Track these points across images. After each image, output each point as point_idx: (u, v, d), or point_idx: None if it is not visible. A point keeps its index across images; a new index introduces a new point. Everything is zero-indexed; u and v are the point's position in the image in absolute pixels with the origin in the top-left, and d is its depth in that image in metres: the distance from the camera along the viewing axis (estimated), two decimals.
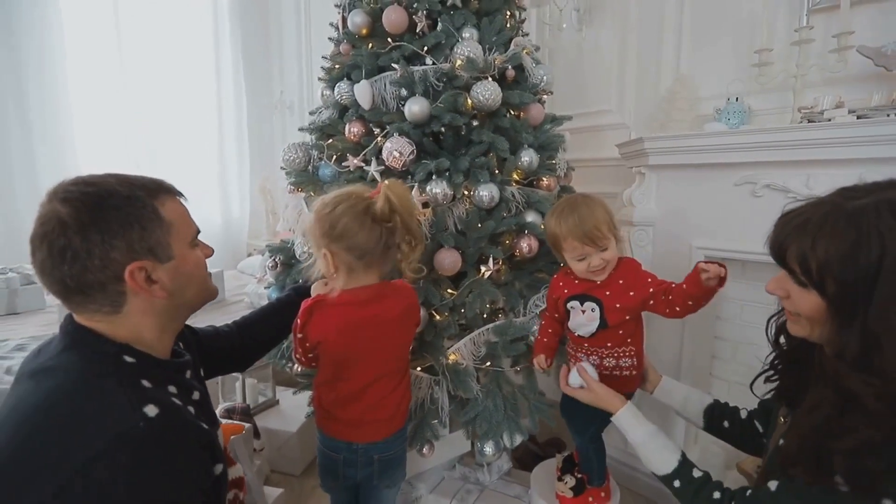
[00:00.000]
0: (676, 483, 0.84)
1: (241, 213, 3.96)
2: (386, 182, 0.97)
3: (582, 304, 1.07)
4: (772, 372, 0.84)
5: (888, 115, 1.08)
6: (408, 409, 1.11)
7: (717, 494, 0.78)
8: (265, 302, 2.13)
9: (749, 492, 0.74)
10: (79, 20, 3.08)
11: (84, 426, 0.57)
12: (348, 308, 0.96)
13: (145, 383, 0.65)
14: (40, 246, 0.62)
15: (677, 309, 0.99)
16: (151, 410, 0.59)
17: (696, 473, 0.84)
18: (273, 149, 4.14)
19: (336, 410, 1.02)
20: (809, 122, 1.21)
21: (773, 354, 0.83)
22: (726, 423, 1.00)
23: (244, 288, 2.58)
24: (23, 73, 2.90)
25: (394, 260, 1.01)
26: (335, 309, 0.97)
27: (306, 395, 1.94)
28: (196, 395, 0.79)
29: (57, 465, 0.54)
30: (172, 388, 0.71)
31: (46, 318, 2.18)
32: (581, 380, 1.01)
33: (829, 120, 1.15)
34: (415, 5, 1.36)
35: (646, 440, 0.90)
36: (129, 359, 0.67)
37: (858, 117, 1.12)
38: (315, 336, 0.97)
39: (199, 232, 0.80)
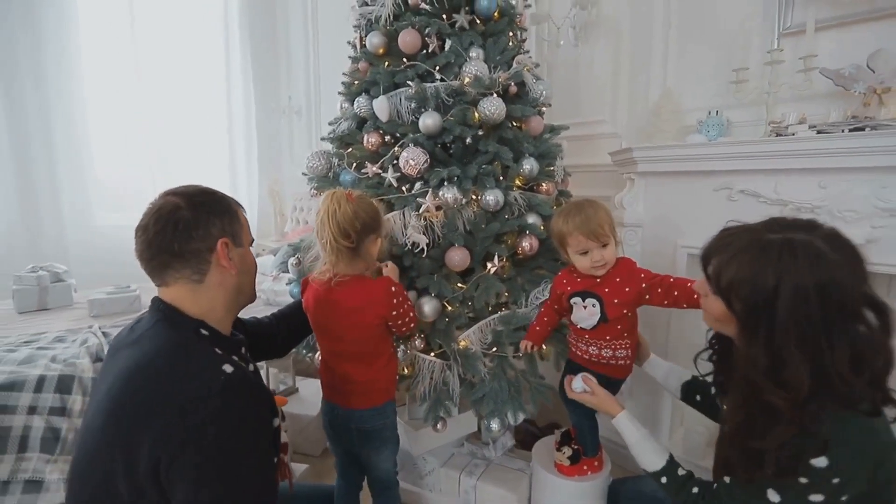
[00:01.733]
0: (664, 479, 0.97)
1: (250, 214, 4.02)
2: (332, 191, 1.16)
3: (584, 300, 1.20)
4: (711, 353, 0.98)
5: (843, 131, 1.24)
6: (387, 392, 1.23)
7: (695, 490, 0.91)
8: (281, 298, 2.30)
9: (715, 485, 0.87)
10: (97, 30, 3.23)
11: (180, 378, 0.73)
12: (319, 288, 1.17)
13: (217, 350, 0.81)
14: (154, 225, 0.81)
15: (665, 303, 1.14)
16: (228, 368, 0.75)
17: (681, 472, 0.95)
18: (280, 152, 4.29)
19: (322, 372, 1.25)
20: (777, 135, 1.37)
21: (711, 347, 0.98)
22: (698, 397, 1.15)
23: (260, 285, 2.71)
24: (43, 84, 3.04)
25: (368, 258, 1.19)
26: (312, 287, 1.20)
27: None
28: (251, 367, 0.96)
29: (163, 406, 0.69)
30: (235, 358, 0.87)
31: (75, 313, 2.31)
32: (584, 385, 1.16)
33: (793, 134, 1.31)
34: (427, 28, 1.51)
35: (639, 441, 1.03)
36: (204, 332, 0.84)
37: (818, 132, 1.28)
38: (306, 303, 1.22)
39: (253, 241, 0.98)
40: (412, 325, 1.24)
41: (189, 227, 0.82)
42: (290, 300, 1.69)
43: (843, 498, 0.70)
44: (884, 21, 1.37)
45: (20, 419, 1.52)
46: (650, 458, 1.00)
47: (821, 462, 0.68)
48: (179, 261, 0.82)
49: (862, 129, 1.22)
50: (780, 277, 0.68)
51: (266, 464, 0.76)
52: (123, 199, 3.52)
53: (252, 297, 0.99)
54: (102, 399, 0.74)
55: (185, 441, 0.66)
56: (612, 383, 1.23)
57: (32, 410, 1.54)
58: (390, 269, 1.29)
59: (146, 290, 2.52)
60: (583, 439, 1.33)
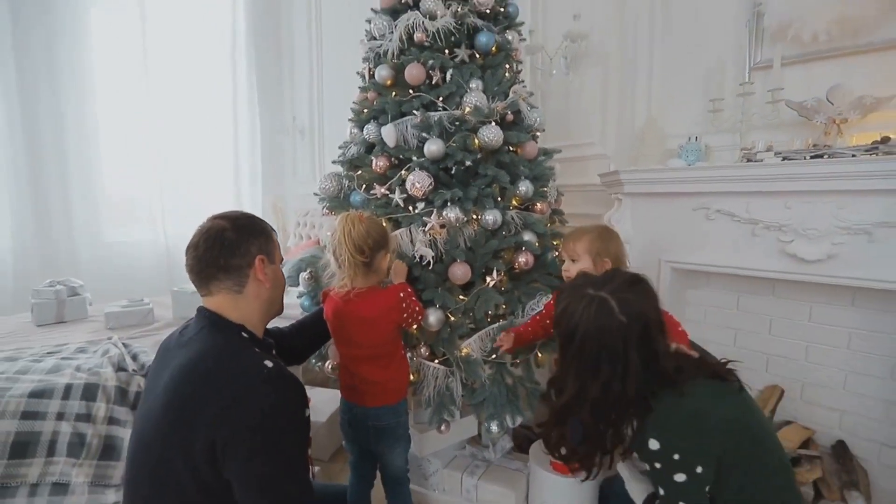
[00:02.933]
0: None
1: None
2: (346, 214, 1.30)
3: None
4: None
5: (804, 158, 1.39)
6: (400, 392, 1.36)
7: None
8: (291, 310, 2.42)
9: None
10: (110, 53, 3.38)
11: (229, 372, 0.85)
12: (337, 300, 1.30)
13: (257, 350, 0.94)
14: (204, 244, 0.95)
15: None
16: (269, 363, 0.88)
17: None
18: (283, 170, 4.42)
19: (341, 375, 1.37)
20: (748, 161, 1.52)
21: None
22: None
23: None
24: (58, 105, 3.18)
25: (380, 272, 1.33)
26: (331, 300, 1.33)
27: (331, 392, 2.20)
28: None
29: (216, 396, 0.81)
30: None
31: (91, 325, 2.41)
32: None
33: (762, 160, 1.46)
34: (430, 62, 1.66)
35: (627, 473, 1.17)
36: (244, 335, 0.97)
37: (783, 158, 1.43)
38: (326, 314, 1.34)
39: (283, 260, 1.11)
40: (419, 317, 1.39)
41: (233, 245, 0.97)
42: (300, 311, 1.82)
43: (699, 469, 0.87)
44: (840, 59, 1.54)
45: (49, 425, 1.61)
46: (636, 488, 1.15)
47: (654, 445, 0.88)
48: (224, 273, 0.96)
49: (821, 156, 1.37)
50: (577, 325, 0.92)
51: (304, 446, 0.88)
52: (131, 215, 3.64)
53: (281, 310, 1.11)
54: (161, 392, 0.86)
55: (236, 425, 0.78)
56: None
57: (60, 416, 1.63)
58: (397, 267, 1.43)
59: (158, 304, 2.64)
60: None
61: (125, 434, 1.71)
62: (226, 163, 4.01)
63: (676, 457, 0.86)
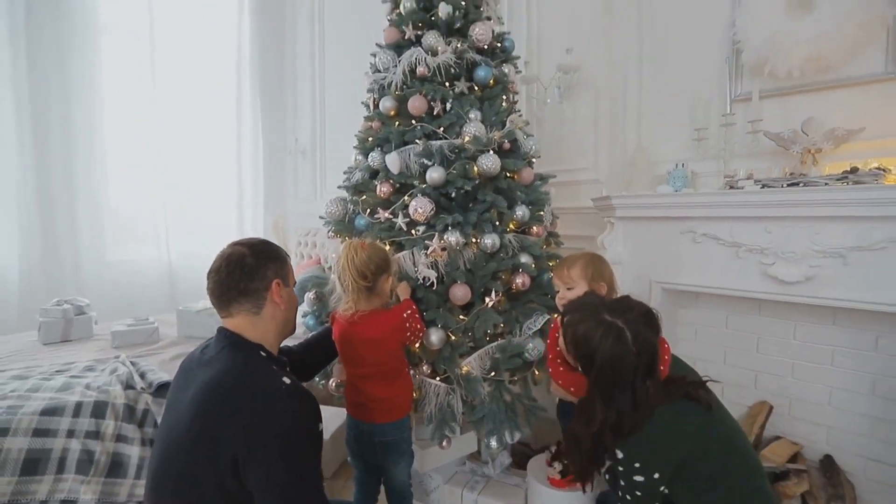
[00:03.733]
0: None
1: None
2: (349, 242, 1.39)
3: None
4: None
5: (782, 186, 1.48)
6: (404, 408, 1.42)
7: None
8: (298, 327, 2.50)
9: None
10: (120, 75, 3.50)
11: (250, 388, 0.92)
12: (344, 323, 1.37)
13: (274, 367, 1.00)
14: (225, 269, 1.02)
15: None
16: (286, 380, 0.95)
17: None
18: (285, 190, 4.52)
19: (348, 393, 1.42)
20: (730, 188, 1.61)
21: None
22: None
23: None
24: (69, 127, 3.27)
25: (383, 295, 1.40)
26: (338, 322, 1.40)
27: (333, 410, 2.25)
28: None
29: (239, 410, 0.88)
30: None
31: (97, 344, 2.45)
32: None
33: (742, 188, 1.55)
34: (432, 94, 1.76)
35: None
36: (262, 353, 1.04)
37: (762, 186, 1.52)
38: (334, 335, 1.41)
39: (296, 283, 1.19)
40: (421, 334, 1.46)
41: (252, 270, 1.04)
42: (304, 329, 1.88)
43: (656, 475, 0.98)
44: (813, 94, 1.65)
45: (60, 442, 1.65)
46: None
47: (619, 454, 1.01)
48: (243, 296, 1.03)
49: (797, 184, 1.47)
50: (595, 350, 1.00)
51: (319, 459, 0.94)
52: (135, 235, 3.71)
53: (293, 330, 1.18)
54: (186, 408, 0.92)
55: (257, 438, 0.84)
56: None
57: (71, 434, 1.68)
58: (402, 287, 1.50)
59: (162, 322, 2.69)
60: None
61: (132, 451, 1.76)
62: (229, 183, 4.11)
63: (637, 465, 0.99)
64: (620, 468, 1.02)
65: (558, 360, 1.29)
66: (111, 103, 3.44)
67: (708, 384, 1.08)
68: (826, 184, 1.41)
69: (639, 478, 1.00)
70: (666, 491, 1.02)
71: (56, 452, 1.64)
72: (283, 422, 0.87)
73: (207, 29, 3.91)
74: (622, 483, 1.03)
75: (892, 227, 1.32)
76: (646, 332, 1.00)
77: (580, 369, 1.06)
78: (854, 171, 1.39)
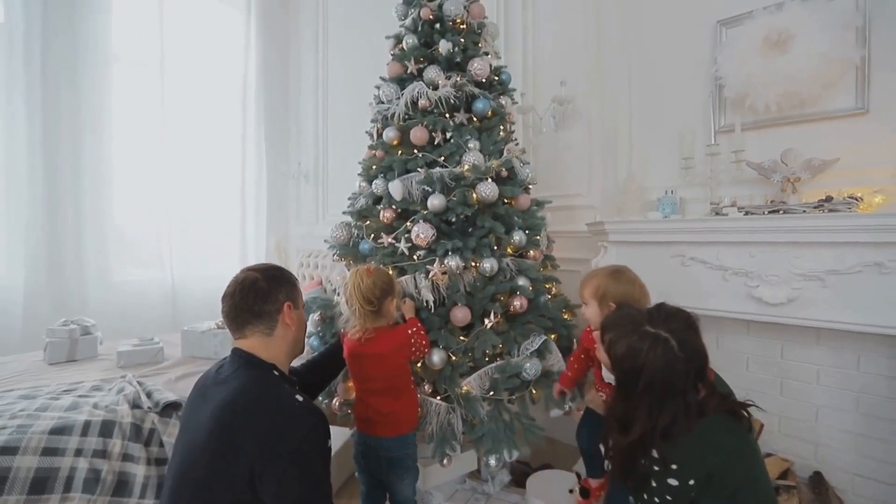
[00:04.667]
0: None
1: None
2: (356, 269, 1.47)
3: None
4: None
5: (763, 213, 1.58)
6: (410, 423, 1.48)
7: None
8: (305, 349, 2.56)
9: None
10: (130, 101, 3.62)
11: (266, 406, 0.98)
12: (354, 343, 1.45)
13: (286, 386, 1.07)
14: (239, 293, 1.09)
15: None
16: (299, 398, 1.01)
17: None
18: (287, 212, 4.61)
19: (357, 409, 1.49)
20: (716, 214, 1.71)
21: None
22: None
23: None
24: (79, 151, 3.36)
25: (388, 316, 1.47)
26: (348, 341, 1.46)
27: (337, 430, 2.29)
28: None
29: (255, 426, 0.93)
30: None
31: (102, 364, 2.49)
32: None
33: (727, 214, 1.65)
34: (433, 125, 1.86)
35: None
36: (276, 373, 1.10)
37: (745, 213, 1.61)
38: (345, 354, 1.48)
39: (304, 305, 1.26)
40: (426, 350, 1.53)
41: (264, 293, 1.11)
42: (308, 349, 1.93)
43: (691, 482, 0.97)
44: (791, 126, 1.76)
45: (67, 461, 1.68)
46: None
47: (655, 454, 0.99)
48: (257, 318, 1.11)
49: (777, 211, 1.56)
50: (644, 365, 0.98)
51: (329, 472, 1.00)
52: (139, 256, 3.77)
53: (302, 350, 1.25)
54: (204, 424, 0.98)
55: (273, 452, 0.90)
56: None
57: (78, 453, 1.71)
58: (407, 306, 1.58)
59: (167, 342, 2.73)
60: (592, 464, 1.55)
61: (138, 470, 1.79)
62: (232, 205, 4.19)
63: (674, 466, 0.98)
64: (656, 467, 1.00)
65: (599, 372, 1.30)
66: (120, 128, 3.55)
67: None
68: (804, 211, 1.51)
69: (673, 481, 0.98)
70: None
71: (64, 471, 1.67)
72: (297, 437, 0.93)
73: (215, 58, 4.06)
74: (653, 485, 1.01)
75: (865, 252, 1.41)
76: (692, 338, 1.00)
77: (625, 383, 1.03)
78: (829, 199, 1.49)
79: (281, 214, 4.53)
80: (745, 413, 1.04)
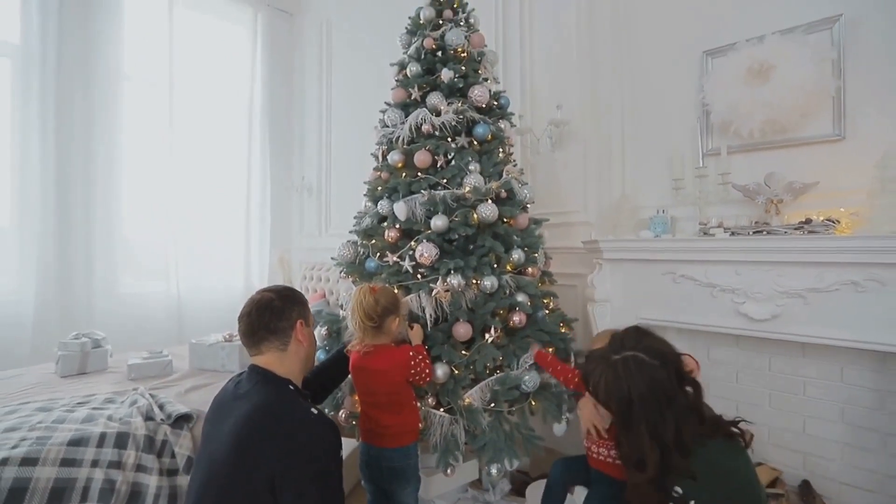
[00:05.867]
0: None
1: (261, 282, 4.38)
2: (360, 287, 1.56)
3: None
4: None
5: (748, 233, 1.67)
6: (412, 435, 1.55)
7: None
8: None
9: None
10: (139, 117, 3.73)
11: (284, 418, 1.06)
12: (357, 355, 1.53)
13: (302, 400, 1.15)
14: (256, 312, 1.19)
15: None
16: (314, 410, 1.09)
17: None
18: (290, 226, 4.70)
19: (361, 421, 1.57)
20: (704, 234, 1.80)
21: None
22: None
23: None
24: (91, 165, 3.46)
25: (390, 333, 1.55)
26: (353, 355, 1.56)
27: (346, 441, 2.36)
28: None
29: (274, 437, 1.01)
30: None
31: (113, 376, 2.55)
32: None
33: (713, 234, 1.74)
34: (436, 148, 1.96)
35: None
36: (291, 387, 1.19)
37: (731, 234, 1.71)
38: (350, 366, 1.57)
39: (315, 324, 1.35)
40: (428, 379, 1.59)
41: (279, 311, 1.21)
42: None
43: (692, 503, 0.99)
44: (773, 151, 1.87)
45: (84, 472, 1.75)
46: None
47: (678, 490, 1.01)
48: (272, 335, 1.20)
49: (761, 232, 1.65)
50: (631, 387, 1.02)
51: (342, 478, 1.08)
52: (146, 269, 3.84)
53: (314, 365, 1.33)
54: (226, 436, 1.05)
55: (291, 461, 0.98)
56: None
57: (95, 464, 1.77)
58: (416, 331, 1.65)
59: (175, 355, 2.80)
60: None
61: (150, 481, 1.85)
62: (237, 220, 4.29)
63: (679, 490, 1.01)
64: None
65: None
66: (130, 145, 3.66)
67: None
68: (786, 232, 1.60)
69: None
70: None
71: (81, 482, 1.73)
72: (313, 446, 1.01)
73: (222, 77, 4.19)
74: None
75: (842, 272, 1.50)
76: (652, 342, 1.05)
77: (622, 415, 1.04)
78: (808, 221, 1.59)
79: (284, 228, 4.62)
80: (738, 430, 1.07)
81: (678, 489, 1.02)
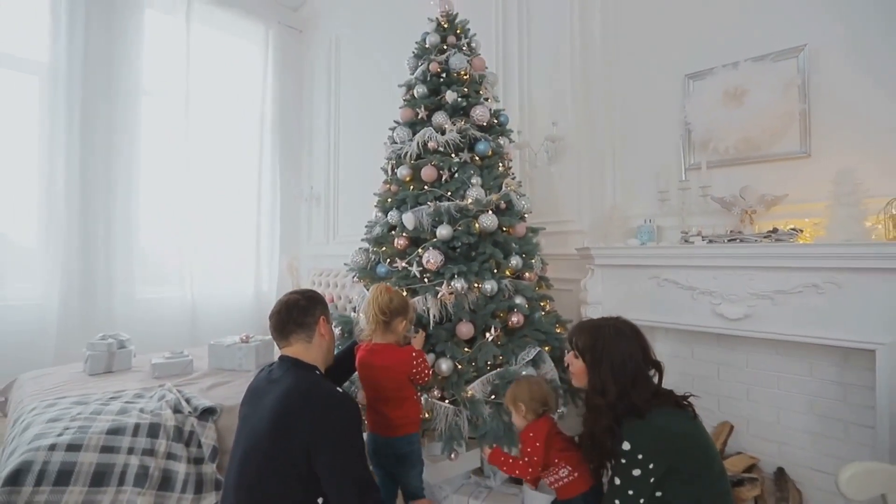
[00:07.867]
0: None
1: (270, 287, 4.58)
2: (377, 284, 1.74)
3: None
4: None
5: (724, 241, 1.85)
6: (414, 425, 1.71)
7: None
8: None
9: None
10: (157, 131, 3.93)
11: (316, 395, 1.24)
12: (363, 352, 1.70)
13: (328, 381, 1.33)
14: (286, 308, 1.39)
15: None
16: (340, 390, 1.28)
17: None
18: (299, 233, 4.89)
19: (368, 413, 1.73)
20: (685, 242, 1.98)
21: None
22: None
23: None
24: (112, 177, 3.65)
25: (396, 333, 1.72)
26: (360, 350, 1.73)
27: None
28: None
29: (310, 411, 1.19)
30: None
31: (137, 375, 2.72)
32: None
33: (693, 243, 1.92)
34: (441, 164, 2.15)
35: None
36: (318, 372, 1.37)
37: (708, 242, 1.89)
38: (357, 362, 1.73)
39: (333, 322, 1.54)
40: (427, 378, 1.75)
41: (305, 309, 1.41)
42: None
43: (651, 466, 1.18)
44: (748, 166, 2.05)
45: (122, 458, 1.92)
46: None
47: (626, 446, 1.20)
48: (300, 328, 1.39)
49: (735, 240, 1.84)
50: (604, 347, 1.32)
51: (364, 446, 1.26)
52: (162, 276, 4.02)
53: (333, 358, 1.52)
54: (266, 412, 1.23)
55: (323, 431, 1.17)
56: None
57: (130, 451, 1.95)
58: (419, 337, 1.82)
59: (196, 355, 2.98)
60: None
61: (179, 468, 2.02)
62: (248, 228, 4.48)
63: (640, 456, 1.18)
64: (623, 461, 1.19)
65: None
66: (148, 157, 3.85)
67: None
68: (756, 240, 1.79)
69: (637, 471, 1.17)
70: (659, 494, 1.20)
71: (118, 467, 1.90)
72: (341, 418, 1.21)
73: (235, 91, 4.40)
74: (617, 482, 1.20)
75: (804, 275, 1.68)
76: (628, 322, 1.37)
77: (594, 362, 1.32)
78: (775, 230, 1.77)
79: (293, 236, 4.81)
80: (687, 403, 1.31)
81: (627, 444, 1.21)
